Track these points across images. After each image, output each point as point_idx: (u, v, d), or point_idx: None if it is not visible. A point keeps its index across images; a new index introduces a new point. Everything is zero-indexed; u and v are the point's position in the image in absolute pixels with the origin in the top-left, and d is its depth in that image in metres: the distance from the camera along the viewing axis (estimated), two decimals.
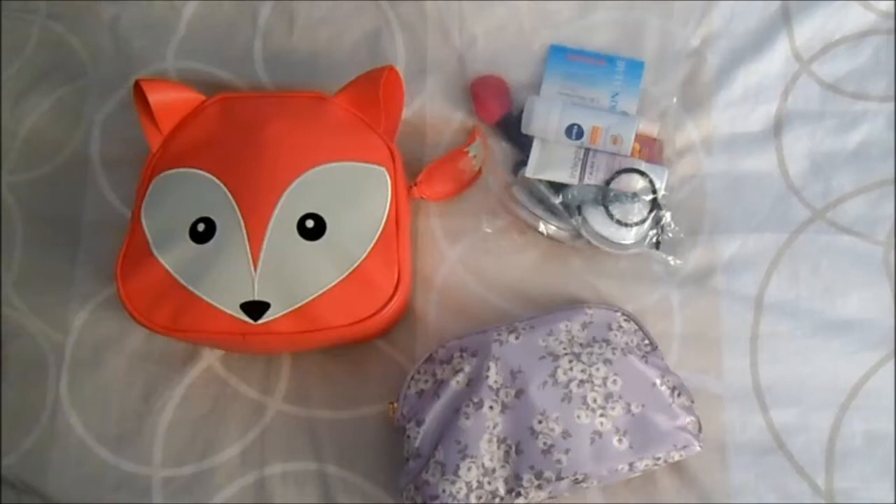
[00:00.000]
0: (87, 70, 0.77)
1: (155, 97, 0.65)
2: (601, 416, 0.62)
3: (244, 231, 0.61)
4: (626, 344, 0.66)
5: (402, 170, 0.67)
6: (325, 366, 0.70)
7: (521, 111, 0.71)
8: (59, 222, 0.73)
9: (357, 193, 0.64)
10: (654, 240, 0.69)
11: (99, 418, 0.69)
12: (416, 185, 0.69)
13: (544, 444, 0.61)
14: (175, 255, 0.62)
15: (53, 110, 0.76)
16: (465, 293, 0.71)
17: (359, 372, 0.69)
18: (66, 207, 0.73)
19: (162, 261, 0.62)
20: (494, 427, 0.62)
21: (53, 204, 0.74)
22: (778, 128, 0.74)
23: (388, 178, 0.65)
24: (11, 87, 0.77)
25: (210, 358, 0.70)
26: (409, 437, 0.64)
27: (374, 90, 0.66)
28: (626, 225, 0.68)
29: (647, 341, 0.67)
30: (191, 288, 0.61)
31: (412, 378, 0.66)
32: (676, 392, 0.64)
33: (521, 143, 0.71)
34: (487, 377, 0.63)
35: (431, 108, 0.74)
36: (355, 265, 0.62)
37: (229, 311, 0.61)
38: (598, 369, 0.63)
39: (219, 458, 0.68)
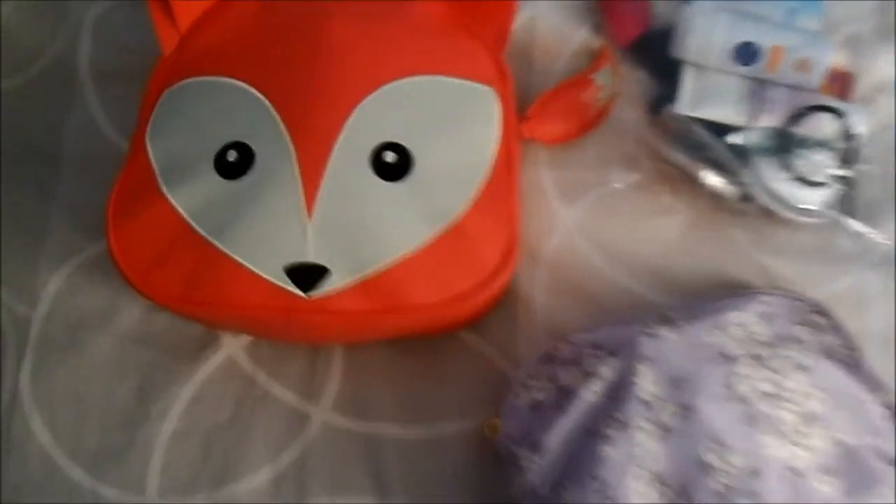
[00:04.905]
0: None
1: None
2: (799, 446, 0.44)
3: (295, 163, 0.42)
4: (824, 346, 0.48)
5: (512, 93, 0.49)
6: (392, 363, 0.50)
7: (665, 29, 0.53)
8: (30, 153, 0.55)
9: (455, 119, 0.45)
10: (848, 205, 0.52)
11: (72, 425, 0.50)
12: (524, 121, 0.51)
13: (722, 484, 0.42)
14: (193, 194, 0.43)
15: (29, 5, 0.58)
16: (584, 270, 0.52)
17: (438, 373, 0.50)
18: (42, 134, 0.55)
19: (173, 201, 0.43)
20: (648, 458, 0.43)
21: (25, 129, 0.55)
22: None
23: (496, 102, 0.47)
24: None
25: (232, 345, 0.51)
26: (520, 467, 0.45)
27: None
28: (811, 184, 0.50)
29: (845, 343, 0.49)
30: (213, 241, 0.42)
31: (522, 384, 0.47)
32: (893, 414, 0.47)
33: (666, 71, 0.53)
34: (637, 385, 0.44)
35: (544, 21, 0.55)
36: (451, 219, 0.43)
37: (269, 277, 0.42)
38: (790, 379, 0.45)
39: (241, 485, 0.48)
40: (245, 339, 0.51)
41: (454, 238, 0.44)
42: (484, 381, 0.50)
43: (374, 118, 0.44)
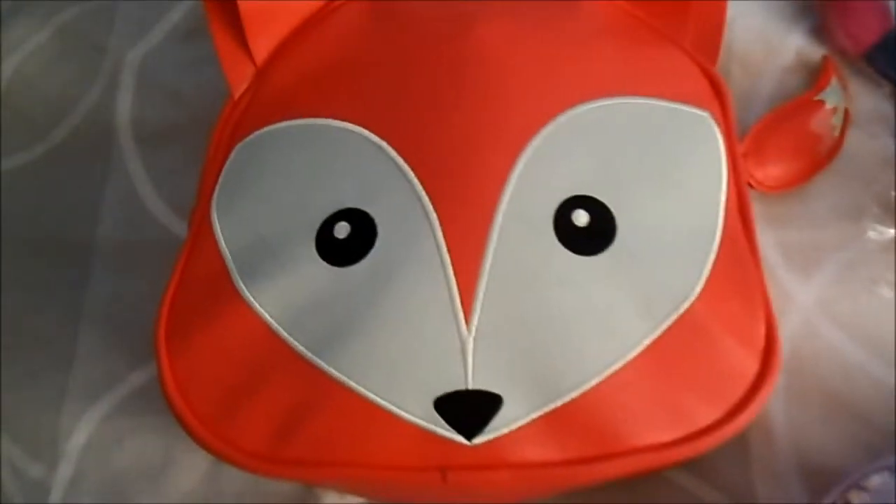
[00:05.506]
0: None
1: None
2: None
3: (440, 237, 0.28)
4: None
5: (733, 119, 0.34)
6: None
7: None
8: (52, 244, 0.41)
9: (666, 159, 0.30)
10: None
11: None
12: None
13: None
14: (284, 292, 0.29)
15: (54, 46, 0.45)
16: (837, 370, 0.35)
17: None
18: (69, 217, 0.41)
19: (255, 304, 0.29)
20: None
21: (45, 211, 0.42)
22: None
23: (716, 131, 0.32)
24: None
25: None
26: None
27: None
28: None
29: None
30: (318, 362, 0.28)
31: None
32: None
33: None
34: None
35: (747, 25, 0.41)
36: (680, 308, 0.28)
37: (409, 418, 0.27)
38: None
39: None
40: (355, 500, 0.36)
41: (687, 337, 0.28)
42: None
43: (554, 162, 0.29)
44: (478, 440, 0.27)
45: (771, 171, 0.37)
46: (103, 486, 0.36)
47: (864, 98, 0.39)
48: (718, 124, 0.32)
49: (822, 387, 0.36)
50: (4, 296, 0.40)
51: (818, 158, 0.38)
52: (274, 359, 0.28)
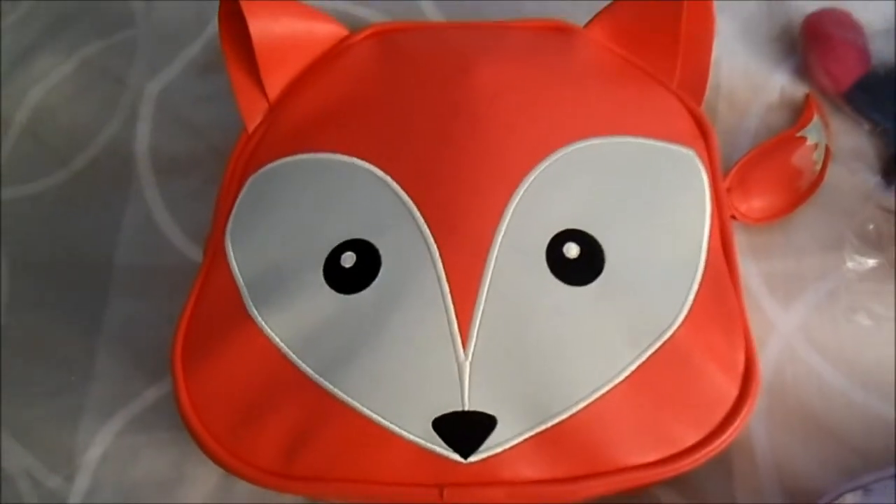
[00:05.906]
0: (134, 16, 0.48)
1: (260, 27, 0.35)
2: None
3: (440, 267, 0.30)
4: None
5: (718, 157, 0.36)
6: None
7: (891, 68, 0.42)
8: (71, 268, 0.42)
9: (652, 195, 0.32)
10: None
11: None
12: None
13: None
14: (294, 318, 0.31)
15: (75, 80, 0.46)
16: (817, 394, 0.37)
17: None
18: (88, 243, 0.42)
19: (266, 328, 0.31)
20: None
21: (66, 237, 0.43)
22: None
23: (701, 169, 0.34)
24: (11, 44, 0.48)
25: None
26: None
27: (666, 15, 0.35)
28: None
29: None
30: (325, 384, 0.30)
31: None
32: None
33: None
34: None
35: (732, 65, 0.43)
36: (664, 336, 0.30)
37: (409, 436, 0.29)
38: None
39: None
40: None
41: (670, 364, 0.30)
42: None
43: (547, 198, 0.31)
44: (473, 458, 0.29)
45: (755, 204, 0.39)
46: (119, 497, 0.37)
47: (845, 135, 0.41)
48: (703, 162, 0.34)
49: (802, 409, 0.37)
50: (26, 316, 0.42)
51: (800, 192, 0.40)
52: (283, 380, 0.30)
